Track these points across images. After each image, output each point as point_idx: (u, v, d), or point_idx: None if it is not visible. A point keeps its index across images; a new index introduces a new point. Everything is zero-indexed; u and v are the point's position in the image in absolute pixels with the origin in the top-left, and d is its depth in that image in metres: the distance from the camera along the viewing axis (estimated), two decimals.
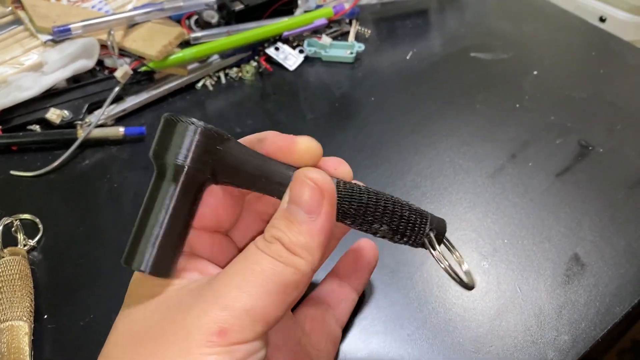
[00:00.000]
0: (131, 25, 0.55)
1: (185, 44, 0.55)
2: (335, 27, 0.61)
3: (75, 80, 0.52)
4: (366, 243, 0.35)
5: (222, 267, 0.27)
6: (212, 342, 0.22)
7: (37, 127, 0.49)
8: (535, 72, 0.56)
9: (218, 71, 0.56)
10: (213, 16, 0.57)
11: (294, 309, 0.33)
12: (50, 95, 0.51)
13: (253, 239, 0.31)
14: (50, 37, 0.52)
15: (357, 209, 0.26)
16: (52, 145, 0.48)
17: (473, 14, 0.65)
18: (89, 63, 0.52)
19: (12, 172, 0.46)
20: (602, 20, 0.72)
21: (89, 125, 0.49)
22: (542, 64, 0.57)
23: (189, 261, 0.26)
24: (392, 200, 0.27)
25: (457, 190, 0.44)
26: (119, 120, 0.51)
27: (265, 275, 0.23)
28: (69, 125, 0.49)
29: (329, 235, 0.25)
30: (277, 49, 0.57)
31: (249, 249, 0.24)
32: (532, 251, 0.40)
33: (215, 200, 0.28)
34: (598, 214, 0.42)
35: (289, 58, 0.56)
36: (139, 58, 0.52)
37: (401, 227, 0.26)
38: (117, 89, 0.50)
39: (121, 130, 0.48)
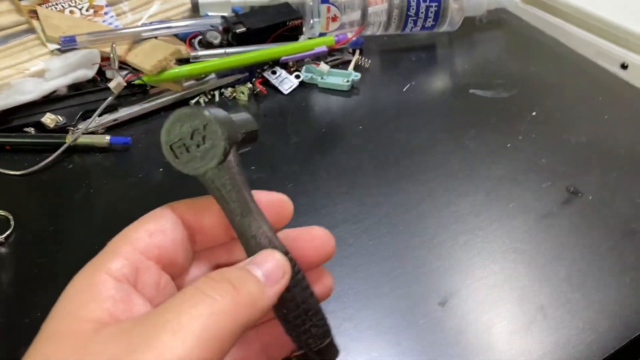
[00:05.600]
0: (137, 40, 0.57)
1: (185, 61, 0.56)
2: (338, 56, 0.61)
3: (77, 88, 0.55)
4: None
5: None
6: None
7: (32, 130, 0.51)
8: (534, 113, 0.54)
9: (213, 90, 0.57)
10: (216, 37, 0.59)
11: None
12: (50, 101, 0.53)
13: None
14: (57, 46, 0.55)
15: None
16: (43, 147, 0.50)
17: (481, 52, 0.64)
18: (88, 73, 0.54)
19: None
20: (623, 67, 0.69)
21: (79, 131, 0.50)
22: (543, 105, 0.55)
23: (127, 296, 0.24)
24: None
25: (435, 223, 0.43)
26: (110, 129, 0.52)
27: (203, 319, 0.21)
28: (62, 130, 0.51)
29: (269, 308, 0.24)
30: (274, 72, 0.57)
31: (186, 290, 0.22)
32: (500, 295, 0.38)
33: (180, 234, 0.26)
34: (575, 264, 0.40)
35: (285, 82, 0.57)
36: (136, 71, 0.54)
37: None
38: (109, 99, 0.51)
39: (107, 138, 0.50)
